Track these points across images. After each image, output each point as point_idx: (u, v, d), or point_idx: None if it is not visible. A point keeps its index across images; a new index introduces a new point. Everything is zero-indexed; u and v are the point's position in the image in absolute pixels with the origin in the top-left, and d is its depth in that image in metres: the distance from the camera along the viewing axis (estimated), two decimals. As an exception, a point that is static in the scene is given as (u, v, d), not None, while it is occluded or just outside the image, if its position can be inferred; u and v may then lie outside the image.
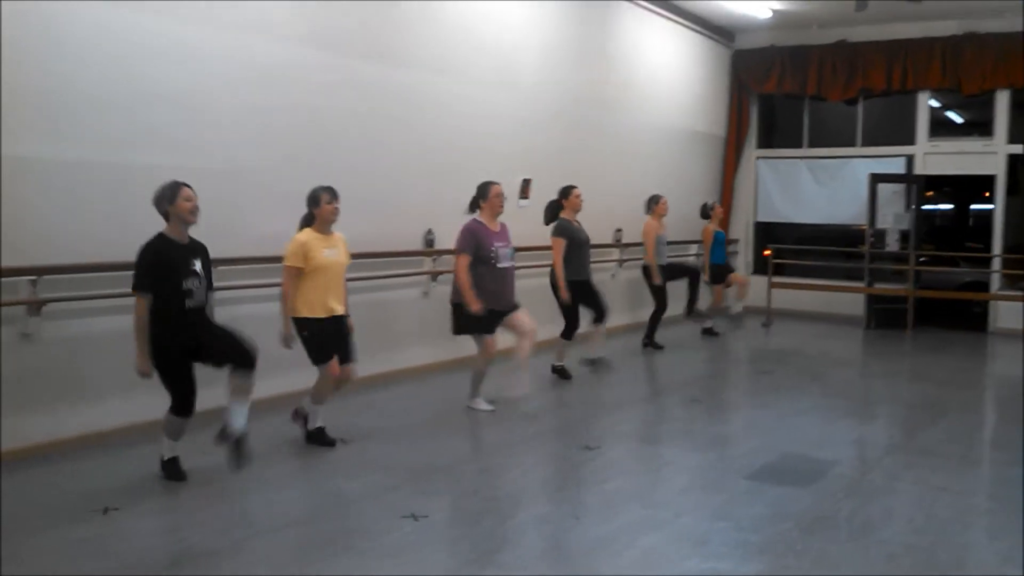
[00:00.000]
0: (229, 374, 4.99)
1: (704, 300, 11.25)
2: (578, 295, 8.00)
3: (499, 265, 6.65)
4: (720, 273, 11.36)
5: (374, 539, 4.32)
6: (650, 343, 9.98)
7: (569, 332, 8.13)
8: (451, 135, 8.39)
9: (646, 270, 9.77)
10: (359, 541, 4.30)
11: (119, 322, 5.58)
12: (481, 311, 6.48)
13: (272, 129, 6.79)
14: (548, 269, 8.07)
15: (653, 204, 9.88)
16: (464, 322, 6.65)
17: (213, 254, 5.23)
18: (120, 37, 5.80)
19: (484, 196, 6.74)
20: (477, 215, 6.76)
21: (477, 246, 6.58)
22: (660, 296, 9.80)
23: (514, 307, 6.80)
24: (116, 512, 4.58)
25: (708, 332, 11.07)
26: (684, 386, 8.52)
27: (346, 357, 5.84)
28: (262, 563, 4.05)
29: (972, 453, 6.42)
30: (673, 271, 10.17)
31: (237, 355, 4.94)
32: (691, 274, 10.67)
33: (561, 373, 8.21)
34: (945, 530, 4.61)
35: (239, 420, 4.99)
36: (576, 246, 8.00)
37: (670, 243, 10.18)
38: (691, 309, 10.72)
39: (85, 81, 5.63)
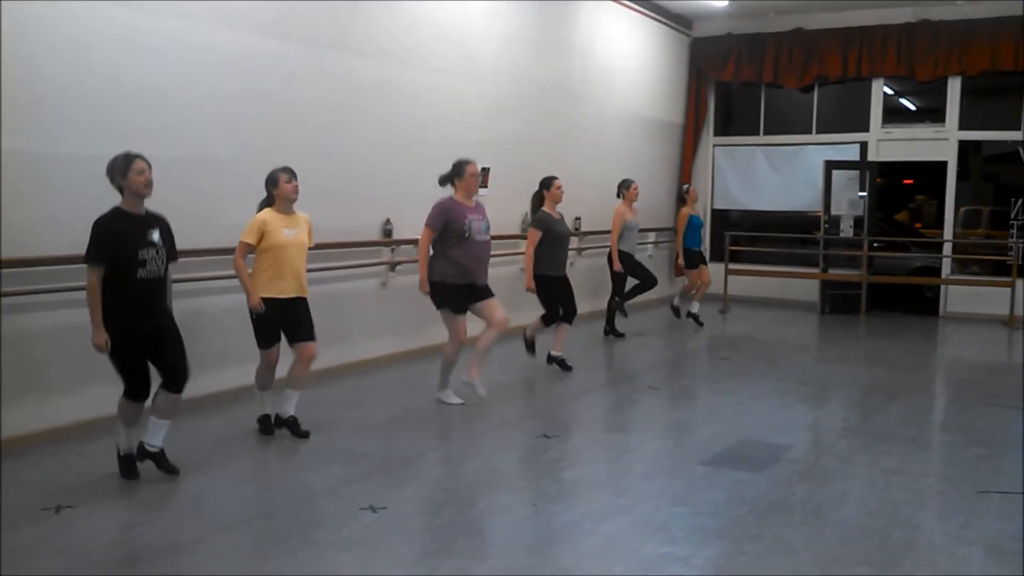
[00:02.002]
0: (158, 390, 4.95)
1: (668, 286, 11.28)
2: (551, 290, 7.97)
3: (475, 238, 6.60)
4: (695, 259, 11.09)
5: (333, 532, 4.30)
6: (611, 331, 10.00)
7: (549, 317, 8.12)
8: (412, 125, 8.34)
9: (609, 255, 9.70)
10: (318, 534, 4.28)
11: (73, 316, 5.49)
12: (426, 291, 6.52)
13: (237, 119, 6.72)
14: (514, 260, 8.06)
15: (624, 189, 9.77)
16: (439, 295, 6.62)
17: (183, 244, 5.17)
18: (86, 28, 5.68)
19: (459, 175, 6.65)
20: (453, 194, 6.70)
21: (448, 222, 6.52)
22: (616, 283, 9.75)
23: (488, 290, 6.76)
24: (69, 510, 4.51)
25: (693, 317, 11.08)
26: (642, 374, 8.58)
27: (307, 335, 5.82)
28: (219, 559, 4.02)
29: (924, 436, 6.55)
30: (635, 269, 9.83)
31: (173, 373, 4.92)
32: (647, 281, 10.01)
33: (561, 364, 8.19)
34: (897, 512, 4.70)
35: (157, 437, 4.97)
36: (553, 239, 7.94)
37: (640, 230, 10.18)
38: (622, 301, 9.89)
39: (49, 72, 5.50)
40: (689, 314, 11.10)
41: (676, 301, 11.36)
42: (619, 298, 9.83)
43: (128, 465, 5.02)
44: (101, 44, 5.76)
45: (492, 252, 8.67)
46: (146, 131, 5.96)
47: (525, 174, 8.30)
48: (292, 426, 5.89)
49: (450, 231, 6.53)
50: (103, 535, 4.30)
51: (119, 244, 4.73)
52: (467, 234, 6.54)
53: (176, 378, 4.93)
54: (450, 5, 8.78)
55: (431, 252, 6.63)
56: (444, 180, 6.72)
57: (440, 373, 6.87)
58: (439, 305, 6.70)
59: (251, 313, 5.69)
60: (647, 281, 9.96)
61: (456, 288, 6.57)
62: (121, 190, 4.82)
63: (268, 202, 5.75)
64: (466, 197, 6.68)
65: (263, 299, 5.64)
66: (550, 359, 8.24)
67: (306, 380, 5.91)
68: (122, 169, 4.78)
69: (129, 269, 4.76)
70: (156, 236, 4.89)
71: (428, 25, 8.52)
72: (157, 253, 4.87)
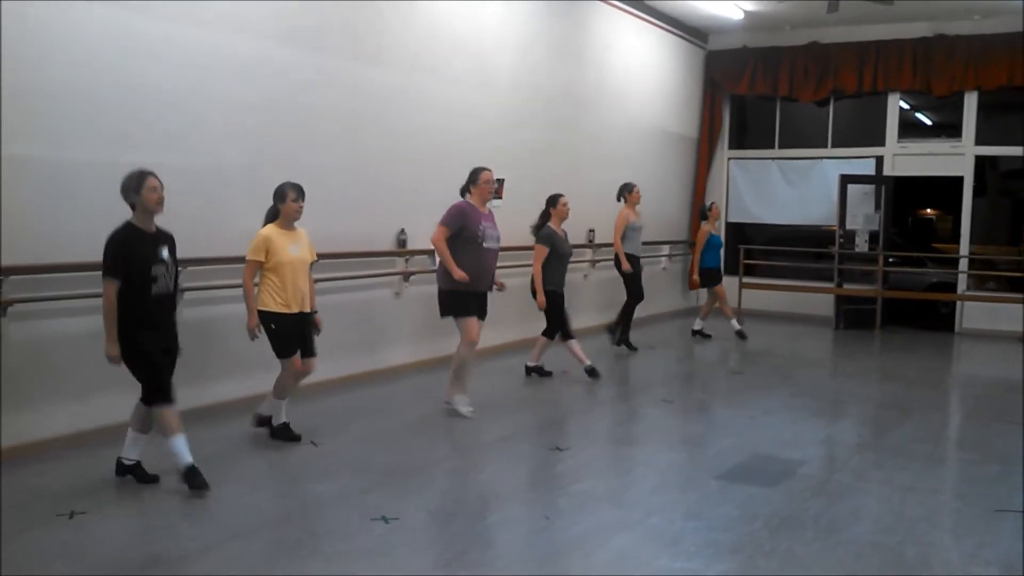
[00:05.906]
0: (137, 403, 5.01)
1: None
2: (558, 305, 8.03)
3: (485, 245, 6.66)
4: (713, 277, 10.97)
5: (344, 542, 4.30)
6: (623, 341, 9.91)
7: (550, 332, 8.16)
8: (426, 134, 8.37)
9: (617, 259, 9.58)
10: (328, 544, 4.27)
11: (85, 323, 5.53)
12: (464, 278, 6.48)
13: (250, 127, 6.75)
14: (526, 271, 8.08)
15: (626, 192, 9.71)
16: (449, 304, 6.66)
17: (195, 252, 5.19)
18: (99, 34, 5.73)
19: (474, 181, 6.74)
20: (467, 199, 6.76)
21: (463, 225, 6.58)
22: (630, 285, 9.64)
23: (485, 310, 6.80)
24: (83, 516, 4.53)
25: (699, 333, 11.08)
26: (655, 387, 8.55)
27: (308, 351, 5.93)
28: (231, 566, 4.01)
29: (939, 452, 6.49)
30: (635, 274, 9.65)
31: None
32: (634, 295, 9.76)
33: (539, 372, 8.27)
34: (912, 529, 4.66)
35: (183, 455, 4.95)
36: (557, 257, 8.01)
37: (645, 244, 10.14)
38: (616, 325, 9.96)
39: (64, 78, 5.55)
40: (735, 332, 11.06)
41: (698, 325, 11.19)
42: (615, 329, 9.85)
43: (140, 472, 5.06)
44: (108, 49, 5.77)
45: (505, 263, 8.74)
46: (157, 138, 6.02)
47: (538, 185, 8.31)
48: (285, 432, 5.96)
49: (464, 234, 6.57)
50: (117, 540, 4.32)
51: (133, 260, 4.79)
52: (480, 239, 6.59)
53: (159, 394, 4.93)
54: (464, 14, 8.82)
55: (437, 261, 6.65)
56: (464, 190, 6.79)
57: (452, 378, 6.85)
58: (446, 314, 6.73)
59: (267, 326, 5.73)
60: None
61: (464, 296, 6.61)
62: (133, 206, 4.87)
63: (273, 214, 5.82)
64: (480, 204, 6.74)
65: (278, 314, 5.71)
66: (528, 370, 8.32)
67: (291, 389, 5.98)
68: (135, 186, 4.83)
69: (143, 285, 4.82)
70: (165, 253, 4.96)
71: (442, 33, 8.55)
72: (167, 270, 4.94)
